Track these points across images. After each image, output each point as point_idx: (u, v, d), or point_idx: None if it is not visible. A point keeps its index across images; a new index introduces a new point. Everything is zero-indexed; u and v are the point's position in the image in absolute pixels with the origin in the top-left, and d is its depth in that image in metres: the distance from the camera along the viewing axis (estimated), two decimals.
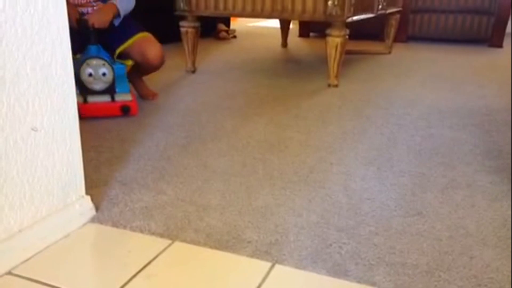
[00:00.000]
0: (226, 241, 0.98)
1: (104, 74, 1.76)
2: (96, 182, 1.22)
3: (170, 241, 0.98)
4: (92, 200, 1.07)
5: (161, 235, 1.00)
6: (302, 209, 1.12)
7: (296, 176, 1.30)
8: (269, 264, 0.91)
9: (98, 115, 1.76)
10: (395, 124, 1.76)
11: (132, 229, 1.02)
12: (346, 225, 1.05)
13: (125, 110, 1.80)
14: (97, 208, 1.09)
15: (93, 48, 1.79)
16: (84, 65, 1.74)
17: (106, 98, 1.79)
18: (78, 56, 1.77)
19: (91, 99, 1.77)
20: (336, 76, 2.30)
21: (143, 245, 0.97)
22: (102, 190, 1.19)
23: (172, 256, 0.93)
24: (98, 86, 1.77)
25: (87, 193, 1.06)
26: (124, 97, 1.82)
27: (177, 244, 0.97)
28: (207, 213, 1.09)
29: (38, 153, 0.93)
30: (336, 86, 2.31)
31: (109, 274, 0.87)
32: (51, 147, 0.96)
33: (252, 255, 0.94)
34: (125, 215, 1.08)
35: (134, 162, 1.38)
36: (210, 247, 0.96)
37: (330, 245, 0.97)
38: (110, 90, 1.80)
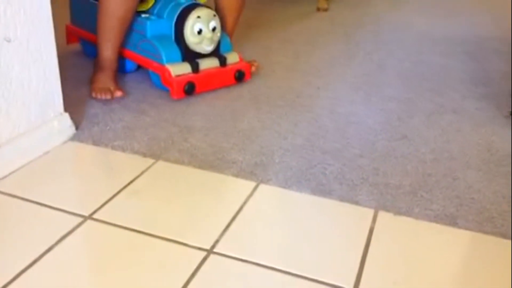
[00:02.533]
0: (210, 162, 0.97)
1: (214, 29, 1.26)
2: (75, 100, 1.18)
3: (153, 160, 0.96)
4: (71, 118, 1.04)
5: (144, 155, 0.98)
6: (287, 132, 1.10)
7: (282, 100, 1.27)
8: (254, 184, 0.90)
9: (212, 88, 1.29)
10: (385, 49, 1.72)
11: (114, 148, 1.00)
12: (331, 147, 1.04)
13: (240, 77, 1.33)
14: (76, 126, 1.06)
15: None
16: (193, 17, 1.23)
17: (215, 63, 1.29)
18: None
19: (203, 65, 1.27)
20: None
21: (126, 163, 0.95)
22: (81, 109, 1.15)
23: (156, 174, 0.92)
24: (209, 47, 1.26)
25: (65, 111, 1.03)
26: (232, 58, 1.33)
27: (161, 163, 0.96)
28: (191, 135, 1.07)
29: (13, 66, 0.88)
30: (326, 10, 2.23)
31: (92, 190, 0.86)
32: (26, 59, 0.90)
33: (237, 175, 0.93)
34: (106, 134, 1.05)
35: None
36: (195, 166, 0.95)
37: (315, 166, 0.97)
38: (216, 51, 1.30)
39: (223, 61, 1.30)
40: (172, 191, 0.87)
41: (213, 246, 0.73)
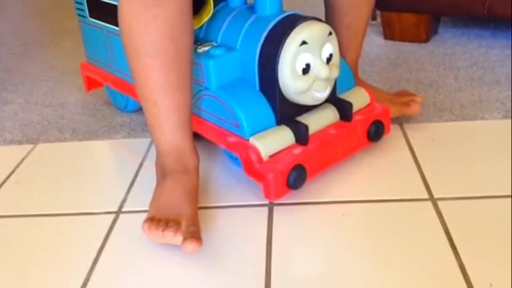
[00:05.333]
0: (96, 131, 0.91)
1: (330, 58, 0.67)
2: None
3: (32, 145, 0.88)
4: None
5: (20, 142, 0.89)
6: None
7: None
8: (148, 140, 0.86)
9: (333, 165, 0.71)
10: None
11: None
12: None
13: (377, 134, 0.74)
14: None
15: None
16: (294, 44, 0.63)
17: (333, 116, 0.72)
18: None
19: (314, 124, 0.69)
20: None
21: (1, 155, 0.86)
22: None
23: (39, 157, 0.84)
24: (324, 92, 0.68)
25: None
26: (359, 99, 0.74)
27: (41, 146, 0.88)
28: (67, 110, 0.99)
29: None
30: None
31: None
32: None
33: (129, 136, 0.88)
34: None
35: None
36: (80, 139, 0.89)
37: None
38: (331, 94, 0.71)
39: (346, 110, 0.71)
40: (61, 169, 0.81)
41: (121, 206, 0.69)
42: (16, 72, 1.21)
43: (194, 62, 0.67)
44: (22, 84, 1.14)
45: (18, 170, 0.81)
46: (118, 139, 0.88)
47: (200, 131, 0.73)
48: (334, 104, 0.72)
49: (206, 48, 0.69)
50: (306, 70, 0.64)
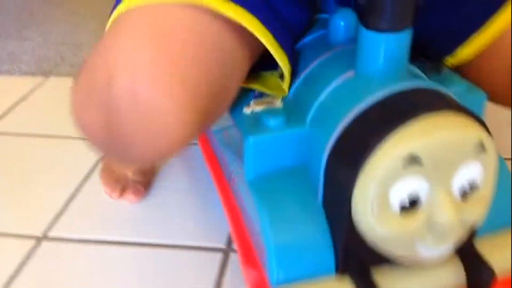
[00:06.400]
0: None
1: (467, 192, 0.32)
2: None
3: (44, 78, 0.93)
4: None
5: (34, 74, 0.94)
6: None
7: None
8: None
9: None
10: None
11: (0, 73, 0.95)
12: None
13: None
14: None
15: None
16: (391, 160, 0.29)
17: (446, 274, 0.35)
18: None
19: (406, 284, 0.34)
20: None
21: (14, 84, 0.91)
22: None
23: (50, 88, 0.89)
24: (436, 249, 0.32)
25: None
26: (507, 257, 0.35)
27: (53, 78, 0.93)
28: (81, 50, 1.04)
29: None
30: None
31: None
32: None
33: None
34: None
35: None
36: None
37: None
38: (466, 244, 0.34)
39: (478, 277, 0.34)
40: (68, 99, 0.85)
41: None
42: (39, 15, 1.26)
43: (240, 123, 0.39)
44: (43, 24, 1.19)
45: (29, 98, 0.86)
46: None
47: (231, 224, 0.43)
48: (460, 258, 0.36)
49: (259, 108, 0.39)
50: (410, 205, 0.32)
